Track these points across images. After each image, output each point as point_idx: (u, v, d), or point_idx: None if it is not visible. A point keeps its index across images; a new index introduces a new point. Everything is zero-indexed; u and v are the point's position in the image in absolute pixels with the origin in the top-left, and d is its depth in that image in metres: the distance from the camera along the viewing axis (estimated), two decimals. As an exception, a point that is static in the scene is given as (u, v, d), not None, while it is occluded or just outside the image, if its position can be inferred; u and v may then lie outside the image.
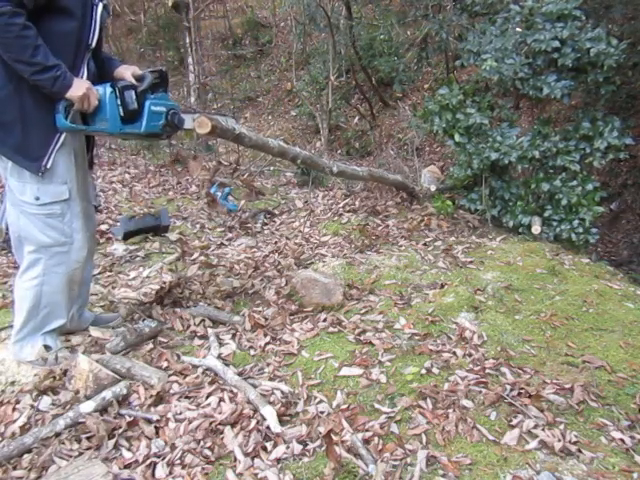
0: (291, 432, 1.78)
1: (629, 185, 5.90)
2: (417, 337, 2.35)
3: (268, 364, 2.20)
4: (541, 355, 2.22)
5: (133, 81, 2.02)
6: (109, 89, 1.93)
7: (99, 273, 3.07)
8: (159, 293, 2.64)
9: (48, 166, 1.89)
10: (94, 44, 1.94)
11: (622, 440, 1.73)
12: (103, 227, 3.71)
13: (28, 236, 1.98)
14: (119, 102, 1.94)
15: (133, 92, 1.97)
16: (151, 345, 2.30)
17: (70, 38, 1.86)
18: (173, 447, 1.73)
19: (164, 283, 2.73)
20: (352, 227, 3.85)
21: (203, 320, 2.52)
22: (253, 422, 1.83)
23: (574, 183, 3.77)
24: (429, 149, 7.41)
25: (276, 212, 4.45)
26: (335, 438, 1.69)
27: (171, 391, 2.02)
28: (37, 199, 1.92)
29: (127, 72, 2.06)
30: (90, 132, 2.04)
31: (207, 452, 1.71)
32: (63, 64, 1.81)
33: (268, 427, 1.79)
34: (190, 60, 7.78)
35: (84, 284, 2.28)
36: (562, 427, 1.77)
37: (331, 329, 2.43)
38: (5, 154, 1.88)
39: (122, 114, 1.95)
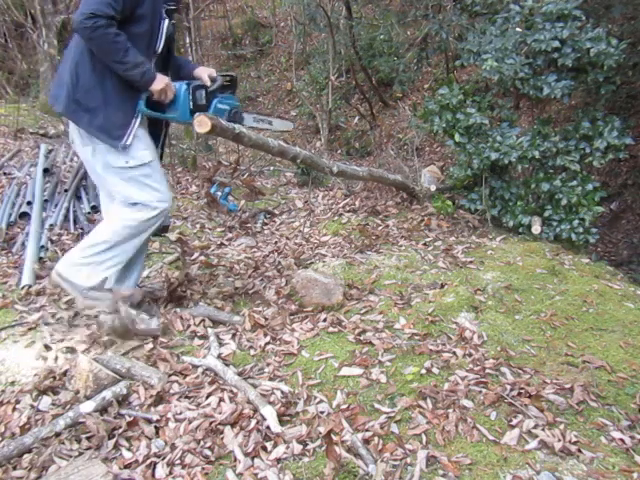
0: (291, 432, 1.78)
1: (629, 185, 5.89)
2: (417, 337, 2.35)
3: (268, 364, 2.20)
4: (541, 355, 2.22)
5: (207, 82, 2.41)
6: (184, 87, 2.34)
7: (99, 273, 3.07)
8: (169, 288, 2.65)
9: (128, 143, 2.25)
10: (159, 50, 2.32)
11: (622, 440, 1.73)
12: (103, 227, 3.71)
13: (131, 196, 2.32)
14: (190, 97, 2.34)
15: (203, 91, 2.38)
16: (151, 345, 2.30)
17: (142, 40, 2.24)
18: (173, 447, 1.73)
19: (171, 279, 2.74)
20: (352, 227, 3.85)
21: (203, 320, 2.52)
22: (253, 422, 1.83)
23: (574, 183, 3.77)
24: (429, 149, 7.41)
25: (276, 212, 4.45)
26: (335, 438, 1.69)
27: (171, 391, 2.02)
28: (127, 162, 2.28)
29: (204, 73, 2.45)
30: (162, 118, 2.42)
31: (207, 452, 1.71)
32: (147, 62, 2.21)
33: (268, 427, 1.80)
34: (190, 60, 7.78)
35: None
36: (562, 427, 1.78)
37: (331, 329, 2.43)
38: (93, 134, 2.24)
39: (191, 107, 2.34)
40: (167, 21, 2.30)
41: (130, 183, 2.31)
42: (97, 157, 2.30)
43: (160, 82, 2.24)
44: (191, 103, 2.33)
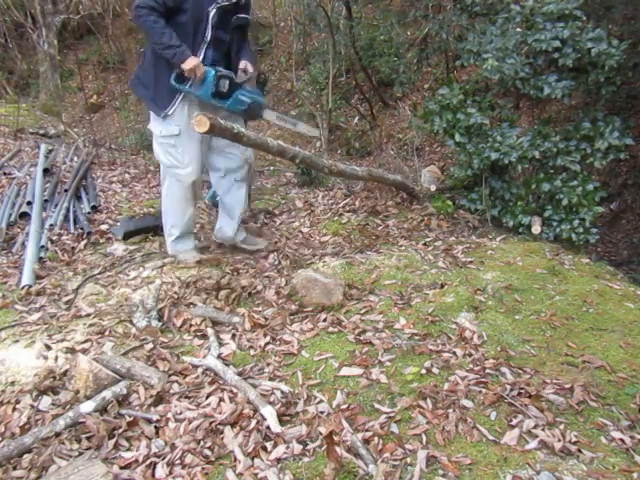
0: (291, 432, 1.78)
1: (629, 185, 5.89)
2: (417, 337, 2.35)
3: (268, 364, 2.20)
4: (541, 355, 2.22)
5: (242, 73, 2.92)
6: (213, 72, 2.78)
7: (99, 273, 3.07)
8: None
9: (169, 113, 2.87)
10: (209, 38, 2.81)
11: (622, 440, 1.73)
12: (103, 227, 3.71)
13: (160, 158, 3.03)
14: (214, 82, 2.78)
15: (228, 81, 2.83)
16: (151, 345, 2.30)
17: (187, 27, 2.77)
18: (173, 447, 1.73)
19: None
20: (352, 227, 3.85)
21: (203, 320, 2.52)
22: (253, 422, 1.83)
23: (574, 183, 3.76)
24: (429, 149, 7.40)
25: (276, 212, 4.45)
26: (335, 438, 1.69)
27: (171, 391, 2.02)
28: (160, 132, 2.94)
29: (241, 65, 2.97)
30: (186, 92, 2.84)
31: (207, 452, 1.71)
32: (184, 45, 2.71)
33: (268, 427, 1.80)
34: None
35: (237, 203, 3.28)
36: (562, 427, 1.78)
37: (331, 329, 2.43)
38: (146, 103, 3.00)
39: (212, 91, 2.79)
40: (213, 12, 2.77)
41: (159, 147, 2.99)
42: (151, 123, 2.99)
43: (191, 62, 2.71)
44: (214, 87, 2.77)
